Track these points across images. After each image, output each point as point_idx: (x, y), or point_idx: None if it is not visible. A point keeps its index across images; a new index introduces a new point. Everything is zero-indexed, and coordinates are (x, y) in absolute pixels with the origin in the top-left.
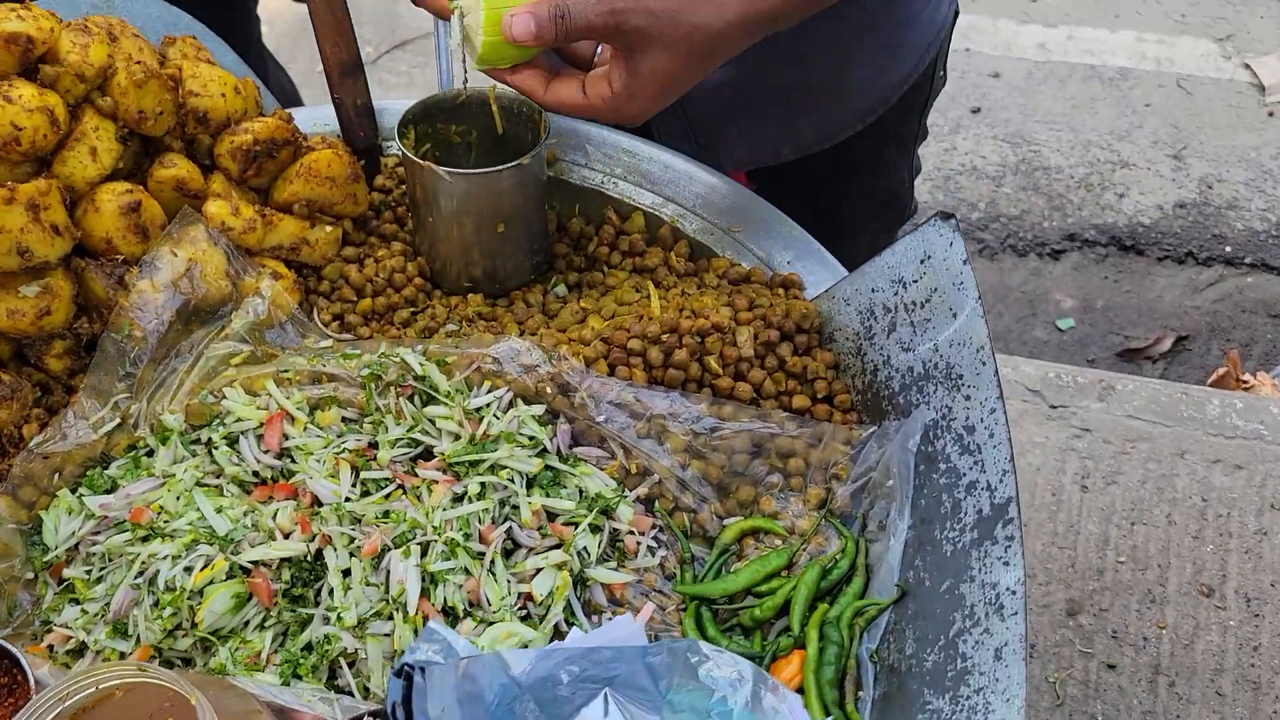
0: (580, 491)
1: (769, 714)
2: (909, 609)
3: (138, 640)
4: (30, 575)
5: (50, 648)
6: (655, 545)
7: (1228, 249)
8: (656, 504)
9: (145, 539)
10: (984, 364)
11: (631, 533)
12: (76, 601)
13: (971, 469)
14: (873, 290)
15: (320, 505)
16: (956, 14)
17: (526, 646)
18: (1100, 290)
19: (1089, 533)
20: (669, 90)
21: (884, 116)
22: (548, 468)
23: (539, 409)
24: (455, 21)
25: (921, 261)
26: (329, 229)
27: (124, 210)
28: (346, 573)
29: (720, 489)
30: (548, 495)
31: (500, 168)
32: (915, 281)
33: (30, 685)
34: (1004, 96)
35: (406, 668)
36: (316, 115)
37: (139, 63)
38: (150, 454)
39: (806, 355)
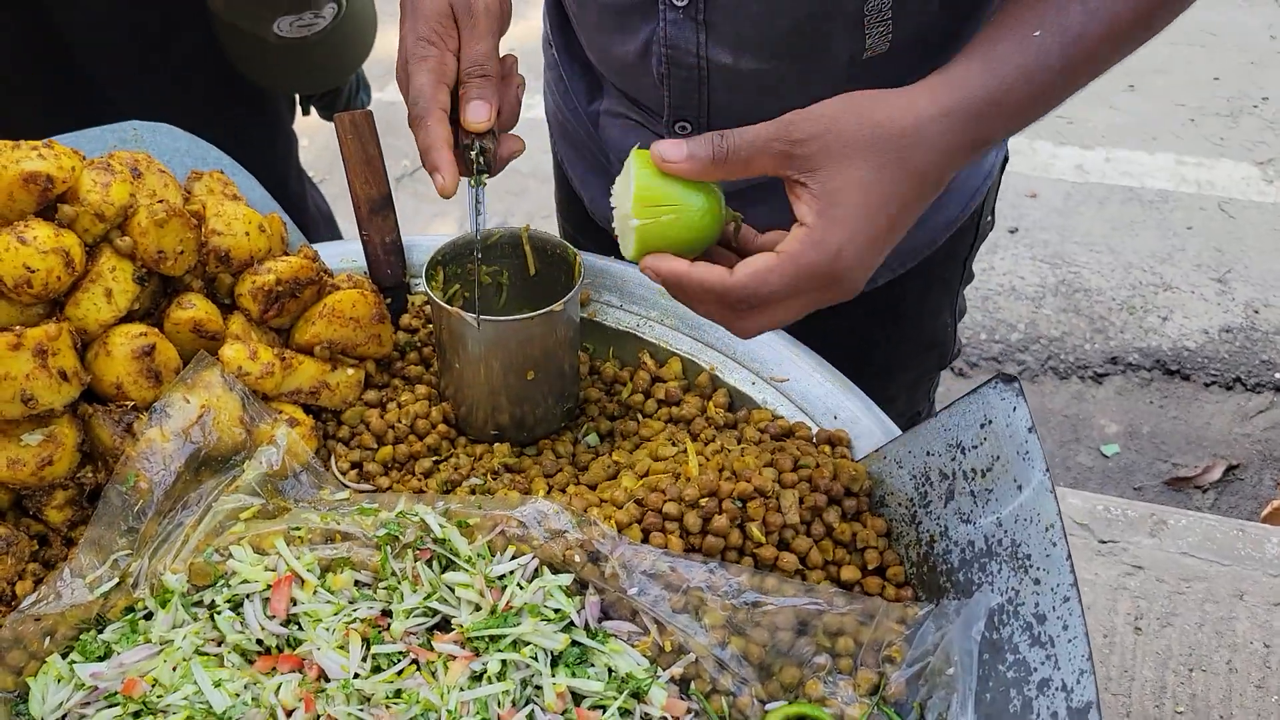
0: (610, 671)
1: None
2: None
3: None
4: None
5: None
6: None
7: (1278, 375)
8: (692, 685)
9: (136, 715)
10: (1054, 545)
11: (664, 718)
12: None
13: (1044, 664)
14: (928, 454)
15: (328, 680)
16: (1006, 159)
17: None
18: (1146, 416)
19: (1145, 679)
20: (878, 212)
21: (927, 259)
22: (574, 643)
23: (566, 579)
24: (617, 222)
25: (982, 426)
26: (350, 371)
27: (137, 354)
28: None
29: (762, 670)
30: (574, 675)
31: (532, 315)
32: (975, 447)
33: None
34: (1042, 217)
35: None
36: (345, 251)
37: (161, 201)
38: (149, 616)
39: (856, 521)
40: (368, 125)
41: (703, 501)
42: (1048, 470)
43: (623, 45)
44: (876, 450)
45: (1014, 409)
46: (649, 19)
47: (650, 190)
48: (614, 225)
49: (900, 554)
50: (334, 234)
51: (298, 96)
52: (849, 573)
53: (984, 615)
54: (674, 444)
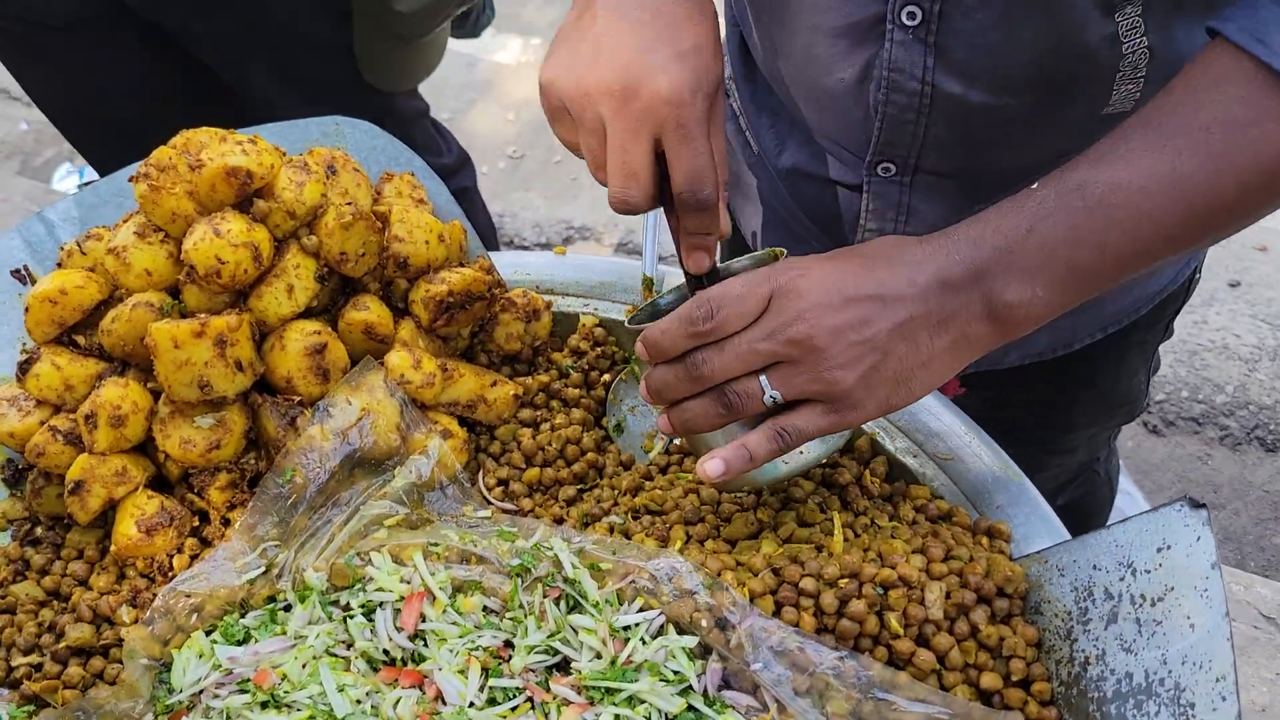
0: None
1: None
2: None
3: None
4: (151, 717)
5: None
6: None
7: None
8: None
9: (264, 705)
10: (1224, 699)
11: None
12: None
13: None
14: (1094, 567)
15: (444, 703)
16: None
17: None
18: None
19: None
20: (845, 266)
21: (1129, 325)
22: (691, 708)
23: (691, 641)
24: None
25: (1158, 550)
26: (509, 387)
27: (309, 351)
28: None
29: None
30: None
31: None
32: (1148, 572)
33: None
34: (1270, 273)
35: None
36: (520, 262)
37: (350, 204)
38: (288, 609)
39: (1005, 624)
40: None
41: (842, 582)
42: (1227, 614)
43: (835, 73)
44: (1039, 552)
45: (1198, 538)
46: (871, 41)
47: None
48: None
49: (1050, 670)
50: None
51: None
52: (990, 680)
53: None
54: (822, 509)
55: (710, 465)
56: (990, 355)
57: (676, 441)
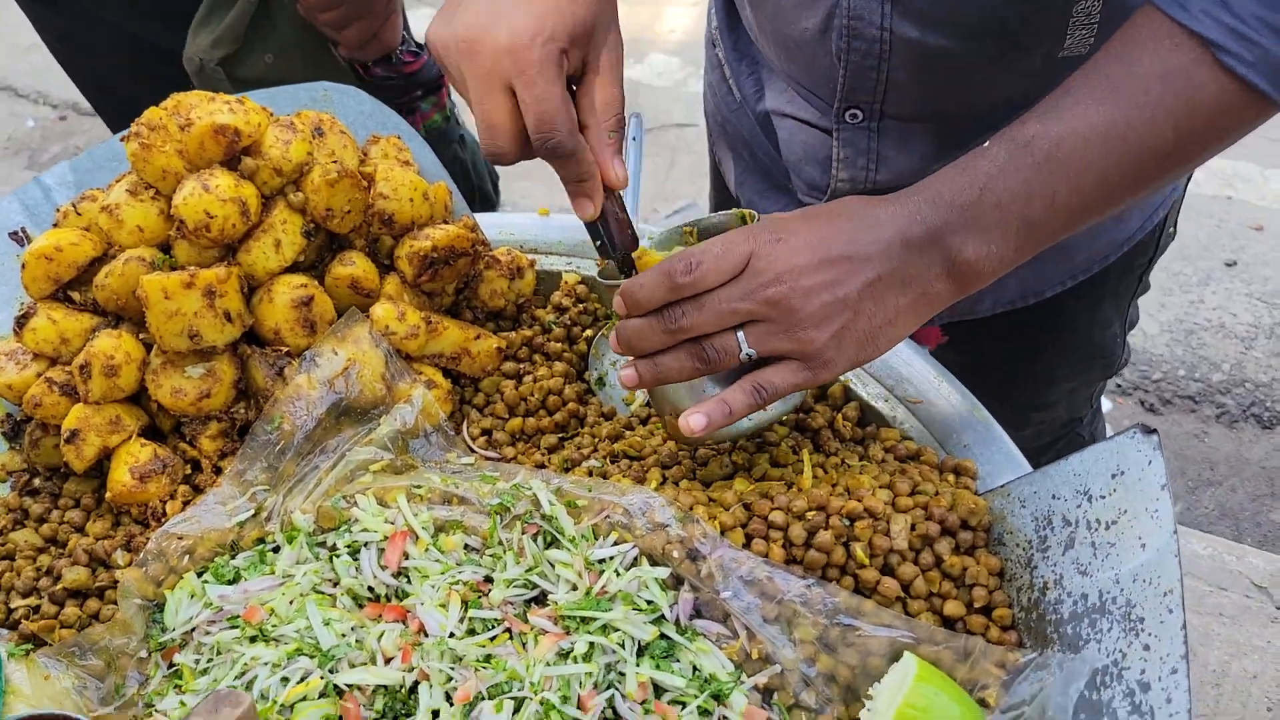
0: (694, 669)
1: None
2: None
3: None
4: (144, 654)
5: None
6: None
7: None
8: (775, 697)
9: (253, 639)
10: (1170, 612)
11: None
12: (179, 689)
13: None
14: (1054, 496)
15: (426, 635)
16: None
17: None
18: None
19: None
20: (817, 222)
21: (1100, 274)
22: (663, 636)
23: (663, 572)
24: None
25: (1113, 476)
26: (493, 341)
27: (296, 304)
28: (436, 714)
29: (849, 692)
30: (658, 667)
31: None
32: (1103, 498)
33: None
34: (1265, 252)
35: None
36: (504, 223)
37: (335, 161)
38: (276, 550)
39: (969, 555)
40: None
41: (810, 514)
42: (1175, 533)
43: (800, 22)
44: (1002, 486)
45: (1149, 462)
46: None
47: (917, 717)
48: (861, 716)
49: (1011, 596)
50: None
51: None
52: (953, 608)
53: (1087, 674)
54: (795, 451)
55: (693, 420)
56: (964, 304)
57: (641, 395)
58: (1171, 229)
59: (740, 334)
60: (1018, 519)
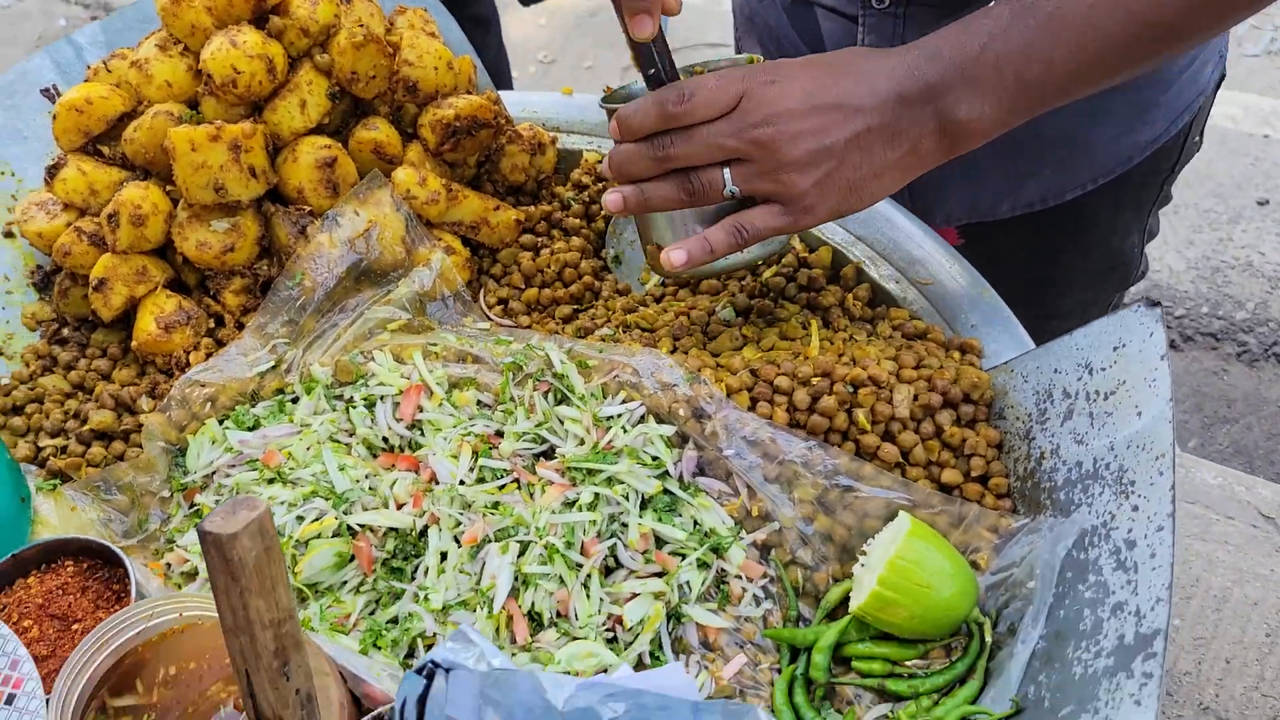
0: (695, 524)
1: None
2: None
3: None
4: (166, 494)
5: (168, 566)
6: (762, 596)
7: None
8: (773, 553)
9: (270, 481)
10: (1161, 474)
11: (739, 577)
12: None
13: (1123, 588)
14: (1055, 370)
15: (437, 483)
16: (1222, 78)
17: (606, 671)
18: None
19: None
20: (810, 72)
21: (1122, 178)
22: (666, 491)
23: (669, 430)
24: (856, 570)
25: (1114, 349)
26: (511, 213)
27: (320, 164)
28: (444, 556)
29: (844, 551)
30: (660, 520)
31: None
32: (1103, 369)
33: (132, 598)
34: None
35: (431, 665)
36: (528, 101)
37: (362, 26)
38: (295, 400)
39: (969, 428)
40: None
41: (815, 380)
42: (1172, 401)
43: None
44: (1005, 363)
45: (1150, 334)
46: None
47: (909, 568)
48: (855, 571)
49: (1008, 467)
50: None
51: None
52: (950, 475)
53: (1074, 534)
54: (804, 326)
55: (675, 254)
56: (983, 205)
57: (658, 279)
58: (1197, 137)
59: (726, 171)
60: (1019, 394)
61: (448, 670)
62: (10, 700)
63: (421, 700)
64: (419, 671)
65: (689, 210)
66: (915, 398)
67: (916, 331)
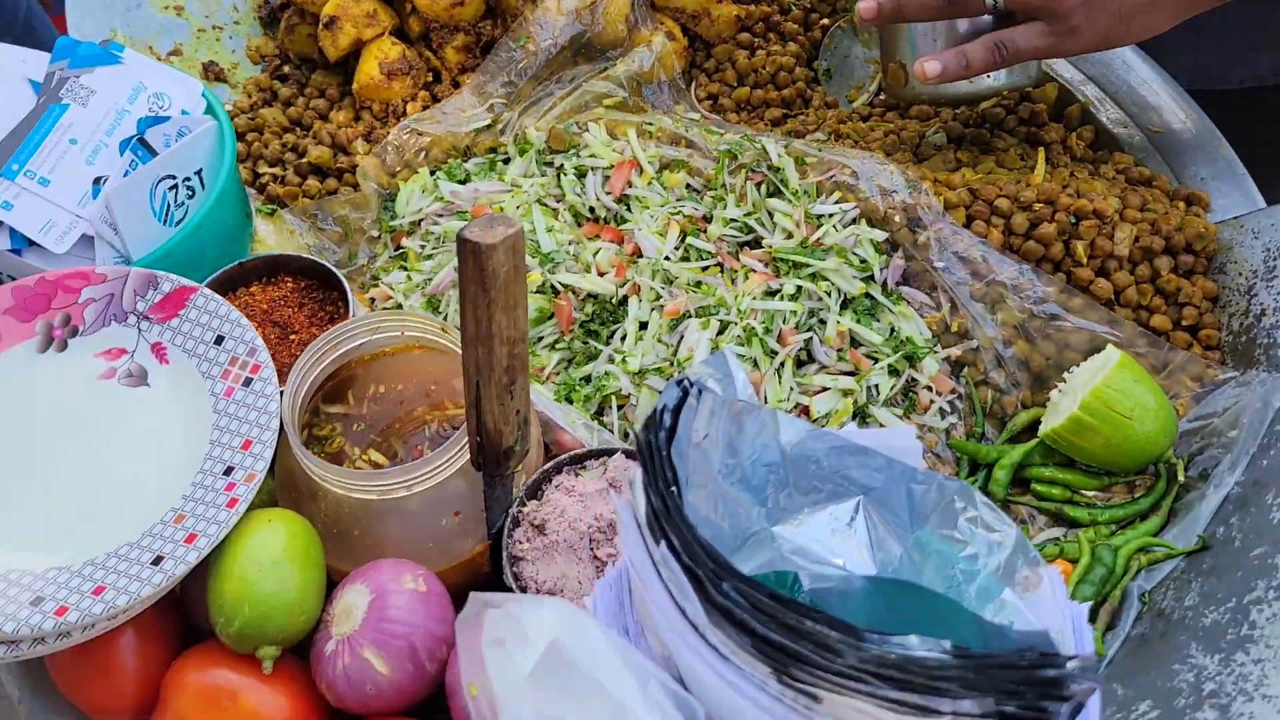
0: (892, 330)
1: (1018, 589)
2: (1204, 563)
3: (445, 318)
4: (375, 234)
5: (371, 300)
6: (948, 410)
7: None
8: (965, 371)
9: None
10: None
11: (929, 389)
12: (405, 269)
13: None
14: None
15: (640, 258)
16: None
17: None
18: None
19: None
20: None
21: None
22: (868, 295)
23: (880, 235)
24: (1054, 395)
25: None
26: (732, 9)
27: None
28: (644, 325)
29: (1038, 379)
30: (859, 321)
31: None
32: None
33: (350, 316)
34: None
35: (687, 381)
36: None
37: None
38: (506, 161)
39: (1186, 278)
40: None
41: (1037, 206)
42: None
43: None
44: (1235, 217)
45: None
46: None
47: (1114, 396)
48: (1051, 396)
49: (1221, 321)
50: None
51: None
52: (1159, 321)
53: None
54: (1023, 160)
55: (929, 65)
56: (1212, 71)
57: (865, 99)
58: None
59: None
60: (1246, 249)
61: (701, 390)
62: (248, 383)
63: (677, 410)
64: (678, 384)
65: (940, 28)
66: (1136, 239)
67: (1141, 178)
